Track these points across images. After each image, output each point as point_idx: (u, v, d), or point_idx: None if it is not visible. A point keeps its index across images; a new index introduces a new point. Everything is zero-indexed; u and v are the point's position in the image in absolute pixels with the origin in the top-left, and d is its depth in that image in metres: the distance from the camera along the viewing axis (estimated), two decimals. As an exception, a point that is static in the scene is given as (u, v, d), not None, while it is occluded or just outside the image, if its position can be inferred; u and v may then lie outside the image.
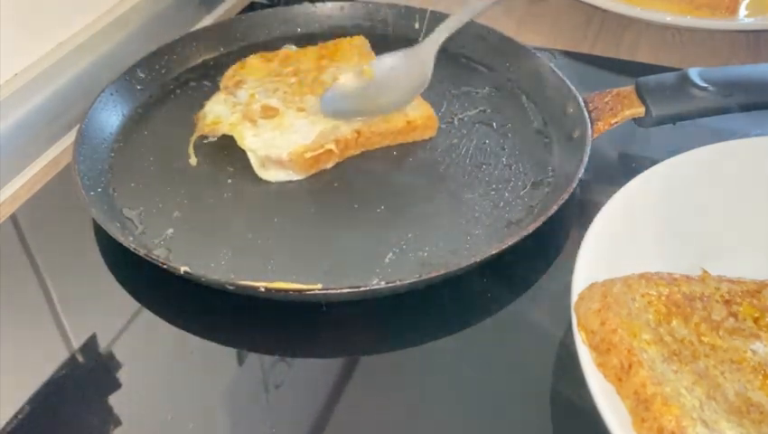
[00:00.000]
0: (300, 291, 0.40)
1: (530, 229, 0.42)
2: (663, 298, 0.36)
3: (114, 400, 0.39)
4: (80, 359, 0.41)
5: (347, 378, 0.40)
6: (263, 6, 0.71)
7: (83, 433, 0.38)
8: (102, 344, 0.42)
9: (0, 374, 0.40)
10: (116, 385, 0.40)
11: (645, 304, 0.35)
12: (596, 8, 0.65)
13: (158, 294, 0.43)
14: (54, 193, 0.47)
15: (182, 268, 0.41)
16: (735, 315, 0.36)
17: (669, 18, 0.62)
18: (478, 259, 0.41)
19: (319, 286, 0.41)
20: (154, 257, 0.41)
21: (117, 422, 0.38)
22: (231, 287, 0.41)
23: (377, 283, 0.41)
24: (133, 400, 0.39)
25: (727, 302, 0.36)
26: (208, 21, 0.70)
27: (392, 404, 0.39)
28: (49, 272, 0.46)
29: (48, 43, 0.57)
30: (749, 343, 0.34)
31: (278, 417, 0.39)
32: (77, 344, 0.42)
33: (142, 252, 0.42)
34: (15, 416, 0.38)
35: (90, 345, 0.42)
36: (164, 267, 0.41)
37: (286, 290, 0.41)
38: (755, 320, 0.36)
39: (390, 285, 0.40)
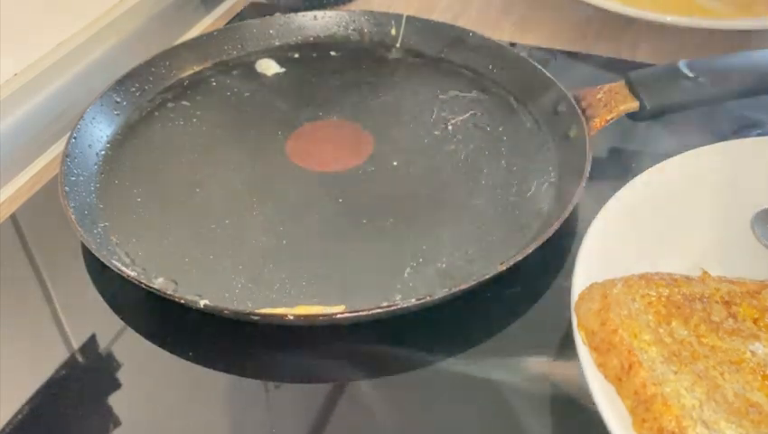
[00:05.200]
0: (328, 316, 0.39)
1: (552, 230, 0.42)
2: (663, 299, 0.36)
3: (114, 400, 0.39)
4: (80, 359, 0.41)
5: (342, 392, 0.40)
6: (263, 7, 0.71)
7: (83, 433, 0.38)
8: (102, 344, 0.42)
9: (0, 374, 0.40)
10: (116, 385, 0.40)
11: (645, 304, 0.35)
12: (596, 8, 0.65)
13: (158, 295, 0.43)
14: (55, 193, 0.47)
15: (202, 302, 0.39)
16: (734, 315, 0.36)
17: (669, 18, 0.62)
18: (505, 267, 0.40)
19: (342, 307, 0.41)
20: (170, 294, 0.40)
21: (117, 422, 0.38)
22: (256, 318, 0.40)
23: (404, 300, 0.40)
24: (133, 401, 0.39)
25: (727, 303, 0.36)
26: (208, 21, 0.70)
27: (393, 401, 0.39)
28: (49, 272, 0.46)
29: (47, 44, 0.57)
30: (748, 343, 0.35)
31: (278, 417, 0.39)
32: (77, 344, 0.42)
33: (154, 288, 0.40)
34: (15, 416, 0.38)
35: (90, 345, 0.42)
36: (181, 302, 0.40)
37: (315, 316, 0.40)
38: (755, 321, 0.36)
39: (421, 301, 0.39)
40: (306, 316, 0.40)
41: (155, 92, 0.58)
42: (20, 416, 0.38)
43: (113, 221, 0.48)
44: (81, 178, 0.50)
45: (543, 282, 0.44)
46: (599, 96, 0.52)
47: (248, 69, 0.61)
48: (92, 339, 0.42)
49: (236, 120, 0.57)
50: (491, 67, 0.59)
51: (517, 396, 0.39)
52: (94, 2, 0.61)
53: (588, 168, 0.46)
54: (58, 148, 0.55)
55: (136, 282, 0.41)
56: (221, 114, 0.57)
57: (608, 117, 0.51)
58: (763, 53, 0.53)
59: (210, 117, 0.57)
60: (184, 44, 0.61)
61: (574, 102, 0.52)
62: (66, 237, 0.46)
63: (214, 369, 0.41)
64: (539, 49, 0.64)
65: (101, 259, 0.42)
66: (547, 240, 0.42)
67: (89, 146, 0.52)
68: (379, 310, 0.39)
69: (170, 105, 0.57)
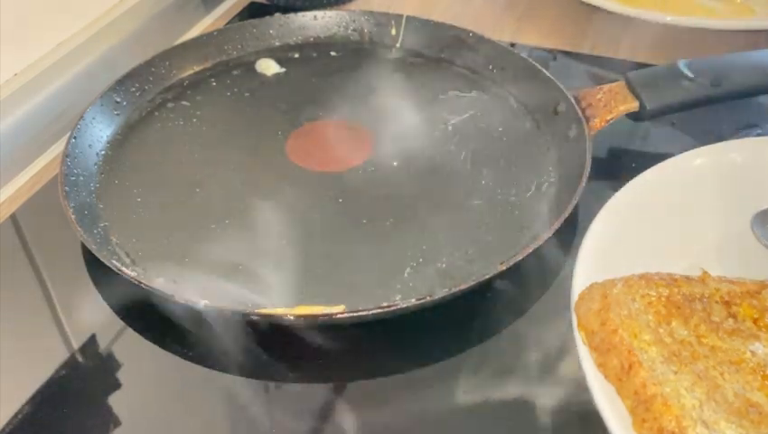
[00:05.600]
0: (328, 316, 0.40)
1: (552, 230, 0.42)
2: (663, 299, 0.36)
3: (114, 400, 0.39)
4: (80, 359, 0.41)
5: (342, 392, 0.40)
6: (263, 7, 0.71)
7: (83, 433, 0.38)
8: (102, 344, 0.42)
9: (0, 374, 0.40)
10: (116, 385, 0.40)
11: (645, 304, 0.35)
12: (596, 8, 0.65)
13: (158, 295, 0.43)
14: (55, 193, 0.47)
15: (202, 302, 0.39)
16: (734, 315, 0.36)
17: (669, 18, 0.62)
18: (505, 267, 0.40)
19: (342, 307, 0.41)
20: (170, 294, 0.40)
21: (117, 422, 0.38)
22: (256, 318, 0.40)
23: (404, 300, 0.40)
24: (133, 401, 0.39)
25: (727, 303, 0.36)
26: (208, 21, 0.70)
27: (393, 401, 0.39)
28: (49, 272, 0.46)
29: (48, 44, 0.57)
30: (748, 343, 0.35)
31: (278, 417, 0.39)
32: (77, 344, 0.42)
33: (154, 288, 0.40)
34: (15, 416, 0.38)
35: (90, 345, 0.42)
36: (181, 302, 0.40)
37: (315, 316, 0.40)
38: (755, 321, 0.36)
39: (421, 301, 0.39)
40: (306, 316, 0.40)
41: (155, 92, 0.58)
42: (20, 416, 0.38)
43: (113, 221, 0.48)
44: (81, 178, 0.50)
45: (543, 282, 0.44)
46: (599, 96, 0.52)
47: (248, 69, 0.61)
48: (92, 339, 0.42)
49: (236, 120, 0.57)
50: (491, 67, 0.59)
51: (517, 396, 0.39)
52: (94, 2, 0.61)
53: (588, 168, 0.46)
54: (58, 148, 0.55)
55: (136, 282, 0.41)
56: (221, 114, 0.57)
57: (608, 118, 0.51)
58: (763, 53, 0.53)
59: (210, 117, 0.57)
60: (184, 44, 0.61)
61: (574, 102, 0.52)
62: (66, 237, 0.46)
63: (214, 369, 0.41)
64: (539, 49, 0.64)
65: (101, 259, 0.42)
66: (547, 240, 0.42)
67: (89, 146, 0.52)
68: (379, 310, 0.39)
69: (170, 105, 0.57)
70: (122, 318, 0.43)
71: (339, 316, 0.40)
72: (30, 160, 0.55)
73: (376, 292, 0.42)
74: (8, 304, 0.44)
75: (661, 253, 0.40)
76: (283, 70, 0.61)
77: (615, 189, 0.43)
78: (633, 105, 0.51)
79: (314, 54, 0.63)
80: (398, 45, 0.62)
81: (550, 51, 0.64)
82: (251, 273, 0.44)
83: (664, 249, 0.41)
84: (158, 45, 0.60)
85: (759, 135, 0.51)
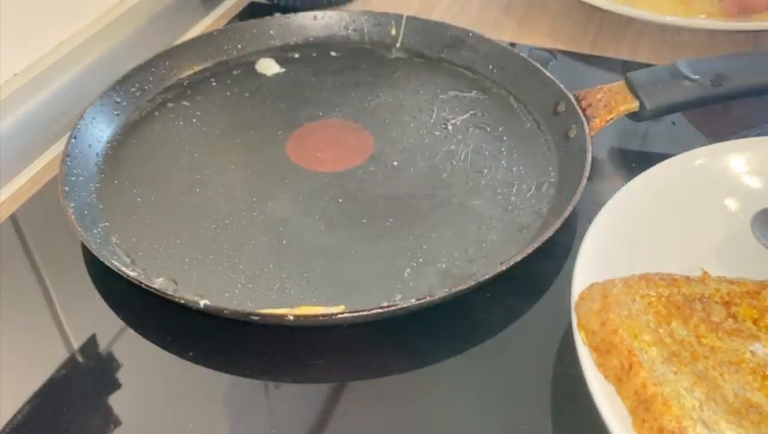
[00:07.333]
0: (328, 316, 0.40)
1: (552, 230, 0.42)
2: (663, 300, 0.36)
3: (114, 400, 0.39)
4: (80, 359, 0.41)
5: (342, 392, 0.40)
6: (263, 7, 0.71)
7: (83, 433, 0.38)
8: (102, 344, 0.42)
9: (0, 374, 0.40)
10: (116, 385, 0.40)
11: (645, 305, 0.35)
12: (596, 8, 0.65)
13: (158, 295, 0.43)
14: (55, 193, 0.47)
15: (202, 302, 0.39)
16: (734, 316, 0.36)
17: (668, 18, 0.62)
18: (505, 267, 0.40)
19: (342, 307, 0.41)
20: (170, 294, 0.40)
21: (117, 422, 0.38)
22: (256, 318, 0.40)
23: (404, 300, 0.40)
24: (133, 401, 0.39)
25: (727, 303, 0.36)
26: (208, 21, 0.70)
27: (393, 401, 0.39)
28: (49, 272, 0.46)
29: (48, 44, 0.57)
30: (748, 344, 0.35)
31: (278, 417, 0.39)
32: (77, 344, 0.42)
33: (154, 288, 0.40)
34: (15, 416, 0.38)
35: (90, 345, 0.42)
36: (181, 302, 0.40)
37: (315, 316, 0.40)
38: (754, 321, 0.36)
39: (421, 301, 0.39)
40: (306, 316, 0.40)
41: (155, 92, 0.58)
42: (20, 416, 0.38)
43: (113, 221, 0.48)
44: (81, 178, 0.50)
45: (543, 282, 0.44)
46: (599, 96, 0.52)
47: (248, 69, 0.61)
48: (92, 339, 0.42)
49: (236, 120, 0.57)
50: (491, 67, 0.59)
51: (517, 396, 0.39)
52: (94, 2, 0.61)
53: (588, 168, 0.46)
54: (58, 148, 0.55)
55: (136, 282, 0.41)
56: (221, 114, 0.57)
57: (608, 118, 0.51)
58: (763, 53, 0.53)
59: (210, 117, 0.57)
60: (184, 44, 0.61)
61: (574, 102, 0.52)
62: (66, 237, 0.46)
63: (214, 369, 0.41)
64: (539, 49, 0.64)
65: (101, 259, 0.42)
66: (547, 240, 0.42)
67: (89, 146, 0.52)
68: (379, 310, 0.39)
69: (170, 105, 0.57)
70: (122, 318, 0.43)
71: (339, 316, 0.40)
72: (30, 160, 0.55)
73: (376, 292, 0.42)
74: (8, 304, 0.44)
75: (661, 253, 0.40)
76: (283, 70, 0.61)
77: (615, 189, 0.43)
78: (633, 105, 0.51)
79: (314, 54, 0.63)
80: (398, 45, 0.63)
81: (550, 51, 0.64)
82: (251, 273, 0.44)
83: (664, 249, 0.41)
84: (158, 45, 0.60)
85: (759, 135, 0.51)
